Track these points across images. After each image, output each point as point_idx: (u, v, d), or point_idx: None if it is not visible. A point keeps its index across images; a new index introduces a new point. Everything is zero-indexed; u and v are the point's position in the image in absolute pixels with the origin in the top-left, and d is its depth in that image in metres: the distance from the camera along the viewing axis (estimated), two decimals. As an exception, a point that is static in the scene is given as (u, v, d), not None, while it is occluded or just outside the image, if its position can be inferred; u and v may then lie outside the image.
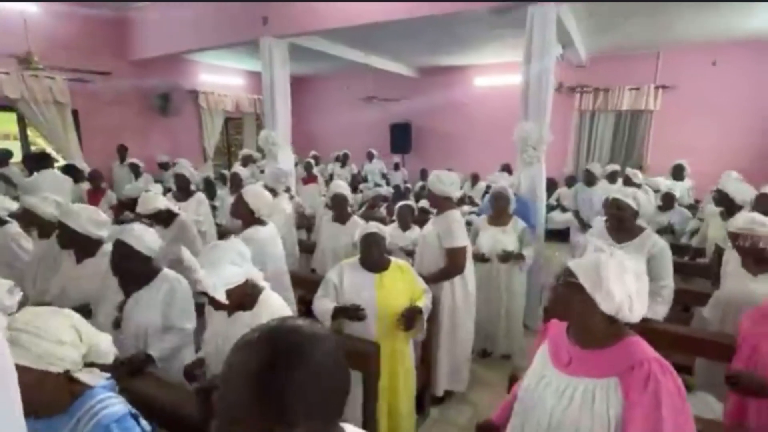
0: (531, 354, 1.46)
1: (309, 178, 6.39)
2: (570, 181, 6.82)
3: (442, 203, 2.78)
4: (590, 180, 5.21)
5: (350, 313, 2.14)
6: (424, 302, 2.25)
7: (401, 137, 9.31)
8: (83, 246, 2.34)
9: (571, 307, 1.22)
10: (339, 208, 3.21)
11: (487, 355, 3.58)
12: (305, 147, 9.34)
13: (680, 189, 5.32)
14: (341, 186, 3.22)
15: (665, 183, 5.39)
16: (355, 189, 6.33)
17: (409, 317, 2.18)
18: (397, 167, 8.49)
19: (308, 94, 10.52)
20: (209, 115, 8.36)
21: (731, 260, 2.42)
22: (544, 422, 1.25)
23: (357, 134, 9.89)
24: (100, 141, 6.73)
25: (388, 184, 7.63)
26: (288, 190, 4.75)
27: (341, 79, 9.73)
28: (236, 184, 4.62)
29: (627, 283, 1.16)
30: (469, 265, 2.84)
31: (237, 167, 5.84)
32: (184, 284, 2.10)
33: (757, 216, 2.22)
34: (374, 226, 2.19)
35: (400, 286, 2.22)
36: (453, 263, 2.68)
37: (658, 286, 2.37)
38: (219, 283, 1.56)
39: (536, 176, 3.87)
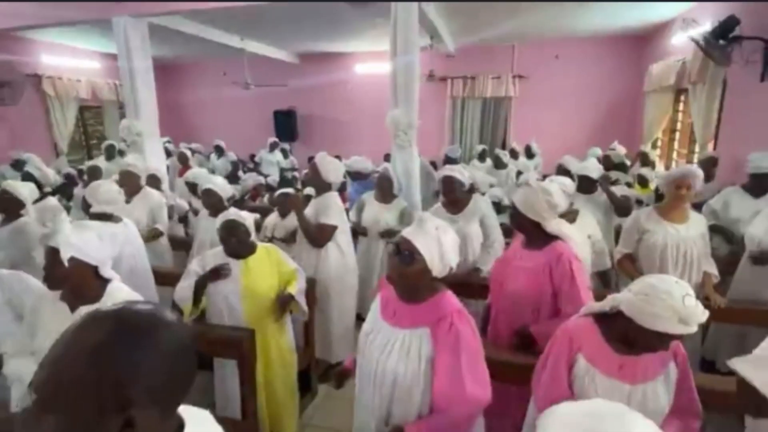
0: None
1: (184, 170, 5.99)
2: (447, 163, 7.40)
3: (324, 186, 2.94)
4: (452, 163, 5.79)
5: (214, 273, 2.14)
6: (297, 285, 2.31)
7: (286, 125, 9.12)
8: None
9: (410, 275, 1.37)
10: (211, 202, 3.10)
11: (362, 319, 3.84)
12: (184, 137, 8.68)
13: (532, 165, 6.16)
14: (211, 180, 3.11)
15: (522, 161, 6.21)
16: (236, 179, 6.09)
17: (283, 302, 2.24)
18: (285, 155, 8.32)
19: (184, 80, 9.76)
20: (59, 104, 7.23)
21: None
22: (371, 372, 1.41)
23: (239, 122, 9.45)
24: None
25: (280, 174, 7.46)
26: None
27: (219, 64, 9.15)
28: (96, 179, 4.14)
29: (455, 250, 1.39)
30: (348, 241, 3.02)
31: (100, 161, 5.26)
32: None
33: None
34: (233, 214, 2.17)
35: (266, 269, 2.24)
36: (320, 234, 2.84)
37: (490, 241, 2.84)
38: (73, 243, 1.50)
39: (409, 159, 4.12)
